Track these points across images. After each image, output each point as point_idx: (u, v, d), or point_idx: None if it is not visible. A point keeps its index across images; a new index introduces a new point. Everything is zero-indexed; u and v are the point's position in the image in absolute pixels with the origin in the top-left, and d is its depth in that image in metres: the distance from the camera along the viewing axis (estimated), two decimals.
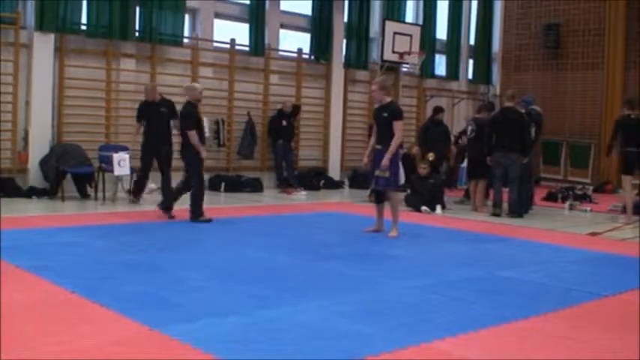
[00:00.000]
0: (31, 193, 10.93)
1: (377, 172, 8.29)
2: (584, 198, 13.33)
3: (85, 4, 11.75)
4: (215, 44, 13.71)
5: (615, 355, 4.19)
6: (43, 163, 11.13)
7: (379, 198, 8.66)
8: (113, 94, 12.28)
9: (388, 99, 8.43)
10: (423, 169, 11.53)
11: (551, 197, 13.64)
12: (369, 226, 8.67)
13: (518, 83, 17.76)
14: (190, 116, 9.10)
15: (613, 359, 4.15)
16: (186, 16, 13.21)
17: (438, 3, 17.50)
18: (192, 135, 8.98)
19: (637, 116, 10.83)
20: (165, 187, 9.71)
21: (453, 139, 14.56)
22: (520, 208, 10.92)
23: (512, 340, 4.37)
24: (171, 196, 9.49)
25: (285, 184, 13.68)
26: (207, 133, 13.08)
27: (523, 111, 11.25)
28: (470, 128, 11.88)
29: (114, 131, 12.29)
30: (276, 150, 13.80)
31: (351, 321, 4.57)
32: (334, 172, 15.22)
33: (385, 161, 8.15)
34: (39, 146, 11.20)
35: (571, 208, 12.32)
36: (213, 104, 13.50)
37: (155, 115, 10.36)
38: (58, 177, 10.94)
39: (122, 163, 10.63)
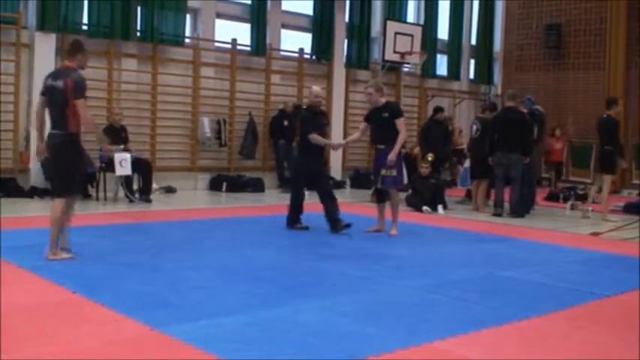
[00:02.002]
0: (33, 193, 10.93)
1: (383, 172, 8.28)
2: (585, 198, 13.28)
3: (86, 4, 11.76)
4: (216, 44, 13.71)
5: (616, 355, 4.19)
6: (45, 163, 11.11)
7: (381, 198, 8.68)
8: (115, 94, 12.29)
9: (384, 100, 8.52)
10: (424, 168, 11.52)
11: (552, 197, 13.62)
12: (371, 226, 8.68)
13: (519, 83, 17.76)
14: (308, 121, 8.74)
15: (614, 359, 4.15)
16: (188, 16, 13.21)
17: (440, 3, 17.50)
18: (313, 137, 8.58)
19: (608, 116, 10.88)
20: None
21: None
22: (523, 207, 10.91)
23: (514, 340, 4.37)
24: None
25: (287, 184, 13.66)
26: (208, 133, 13.15)
27: (526, 111, 11.25)
28: (474, 128, 11.87)
29: None
30: (277, 150, 13.80)
31: (353, 321, 4.58)
32: (336, 172, 15.21)
33: (392, 156, 8.16)
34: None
35: (572, 208, 12.30)
36: (215, 104, 13.50)
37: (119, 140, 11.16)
38: None
39: (124, 163, 10.64)
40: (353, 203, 12.23)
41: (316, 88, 9.05)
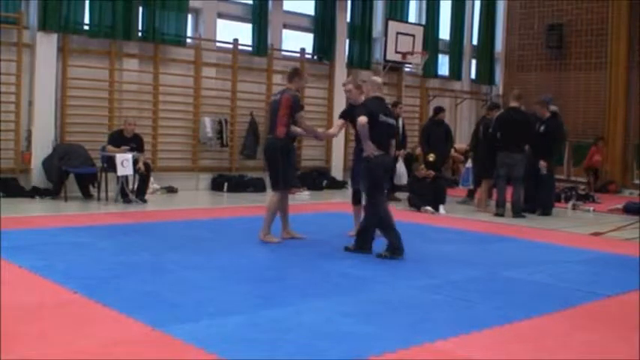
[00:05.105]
0: (34, 193, 10.93)
1: None
2: (587, 198, 13.30)
3: (88, 3, 11.74)
4: (218, 44, 13.70)
5: (617, 356, 4.19)
6: (46, 163, 11.13)
7: (357, 199, 8.34)
8: (116, 94, 12.28)
9: (363, 98, 7.83)
10: (420, 170, 11.50)
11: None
12: (352, 230, 8.20)
13: (521, 83, 17.72)
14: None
15: (615, 359, 4.15)
16: (189, 16, 13.21)
17: (441, 3, 17.49)
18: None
19: None
20: None
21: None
22: (547, 208, 11.14)
23: (515, 340, 4.37)
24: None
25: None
26: (209, 133, 13.15)
27: (547, 114, 11.25)
28: (481, 129, 11.85)
29: None
30: None
31: (354, 321, 4.57)
32: (337, 172, 15.22)
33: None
34: (42, 146, 11.21)
35: (574, 208, 12.31)
36: (216, 104, 13.49)
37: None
38: (61, 177, 10.94)
39: (125, 164, 10.63)
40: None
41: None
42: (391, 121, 7.28)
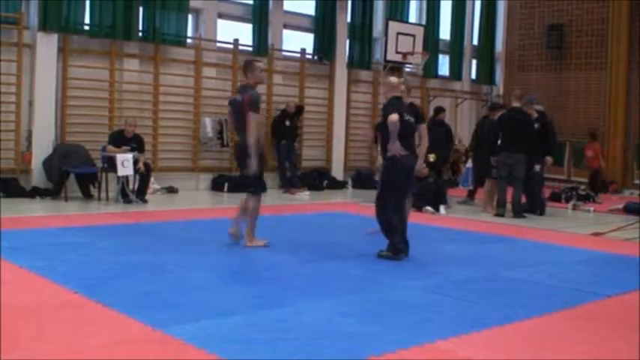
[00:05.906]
0: (35, 193, 10.94)
1: None
2: (587, 198, 13.30)
3: (88, 4, 11.75)
4: (218, 44, 13.71)
5: (617, 355, 4.19)
6: (47, 163, 11.14)
7: None
8: (116, 94, 12.28)
9: (408, 101, 7.81)
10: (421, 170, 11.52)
11: (554, 197, 13.60)
12: (372, 227, 8.55)
13: (521, 83, 17.72)
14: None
15: (615, 359, 4.15)
16: (190, 16, 13.22)
17: (442, 3, 17.49)
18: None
19: None
20: None
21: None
22: (537, 208, 11.09)
23: (516, 340, 4.37)
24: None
25: (289, 184, 13.67)
26: (209, 133, 13.16)
27: (535, 114, 11.25)
28: (484, 128, 11.83)
29: None
30: (279, 150, 13.78)
31: (354, 321, 4.57)
32: (337, 172, 15.22)
33: (420, 166, 7.56)
34: (42, 146, 11.21)
35: (574, 208, 12.31)
36: (217, 104, 13.48)
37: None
38: (62, 177, 10.94)
39: (125, 164, 10.63)
40: (355, 203, 12.24)
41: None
42: (412, 120, 7.11)
